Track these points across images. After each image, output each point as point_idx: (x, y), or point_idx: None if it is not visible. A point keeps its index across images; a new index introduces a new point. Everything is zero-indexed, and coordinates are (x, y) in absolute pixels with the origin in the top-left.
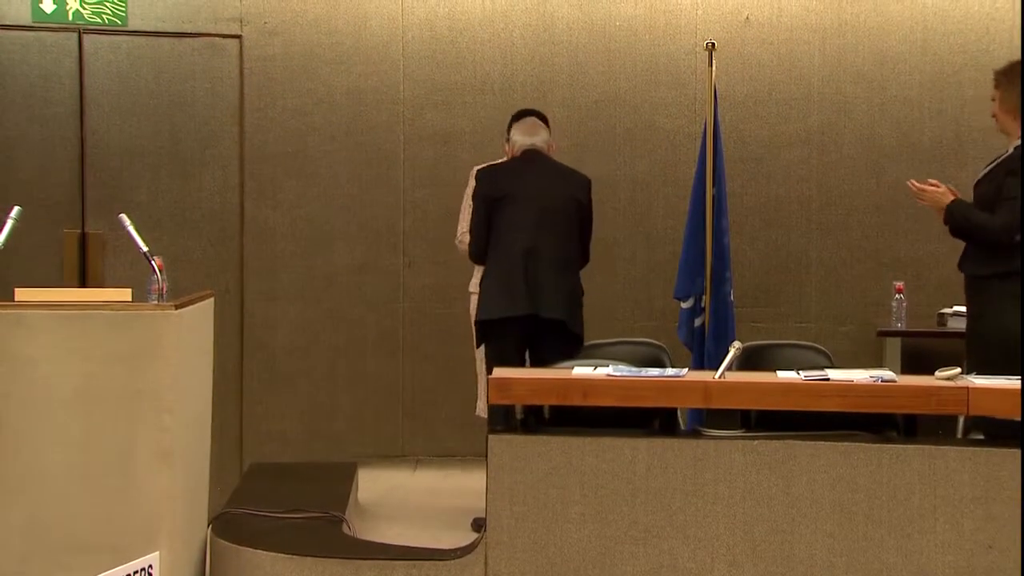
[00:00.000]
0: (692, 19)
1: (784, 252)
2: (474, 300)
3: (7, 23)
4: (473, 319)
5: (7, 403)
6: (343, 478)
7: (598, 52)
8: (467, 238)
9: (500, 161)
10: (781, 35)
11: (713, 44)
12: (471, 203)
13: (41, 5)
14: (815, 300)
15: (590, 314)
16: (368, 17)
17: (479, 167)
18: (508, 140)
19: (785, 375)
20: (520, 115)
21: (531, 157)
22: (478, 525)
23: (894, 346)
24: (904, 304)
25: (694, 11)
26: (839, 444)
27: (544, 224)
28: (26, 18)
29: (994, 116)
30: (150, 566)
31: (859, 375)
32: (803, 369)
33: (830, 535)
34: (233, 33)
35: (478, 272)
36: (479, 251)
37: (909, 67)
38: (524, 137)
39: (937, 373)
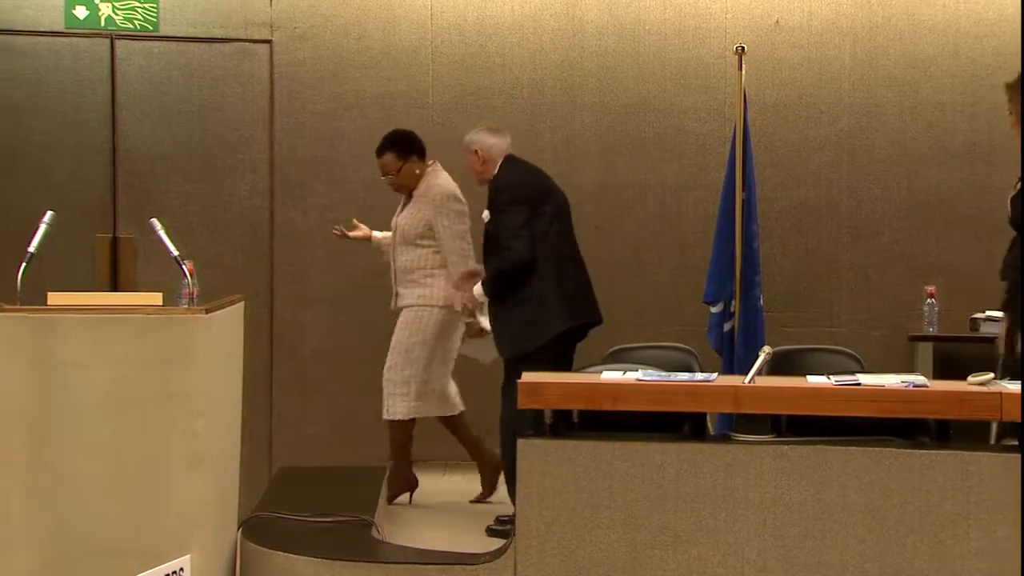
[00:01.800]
0: (721, 23)
1: (814, 256)
2: (438, 314)
3: (41, 29)
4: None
5: (39, 407)
6: (372, 482)
7: (627, 56)
8: (471, 258)
9: (516, 163)
10: (811, 39)
11: (743, 48)
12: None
13: (74, 11)
14: (846, 304)
15: (619, 318)
16: (397, 22)
17: (450, 193)
18: (477, 148)
19: (816, 380)
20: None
21: (519, 160)
22: (492, 531)
23: (926, 351)
24: (936, 309)
25: (723, 15)
26: (871, 449)
27: (570, 227)
28: (59, 24)
29: (1013, 127)
30: (182, 569)
31: (890, 380)
32: (834, 374)
33: (862, 541)
34: (263, 38)
35: (437, 285)
36: (532, 255)
37: (941, 70)
38: (501, 140)
39: (970, 378)
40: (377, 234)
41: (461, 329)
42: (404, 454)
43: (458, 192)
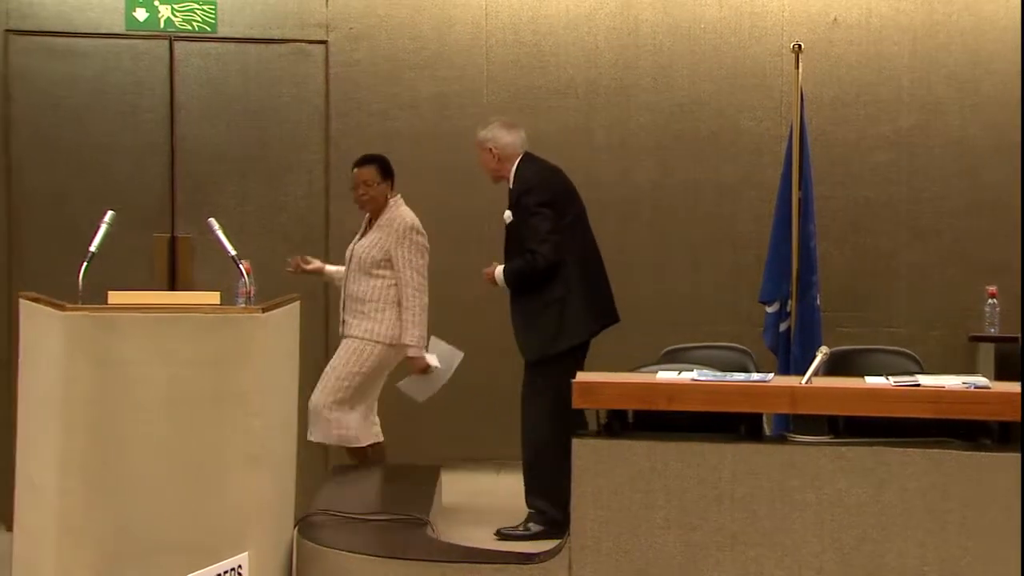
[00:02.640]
0: (778, 21)
1: (873, 256)
2: (380, 351)
3: (102, 31)
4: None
5: (100, 405)
6: (426, 481)
7: (682, 55)
8: (425, 294)
9: (535, 162)
10: (870, 36)
11: (800, 46)
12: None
13: (134, 14)
14: (905, 304)
15: (674, 318)
16: (452, 22)
17: (414, 225)
18: (491, 145)
19: (874, 380)
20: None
21: (537, 158)
22: (502, 535)
23: (987, 352)
24: (998, 309)
25: (780, 13)
26: (931, 451)
27: (590, 227)
28: (120, 26)
29: None
30: (240, 566)
31: (951, 381)
32: (892, 374)
33: (921, 544)
34: (319, 39)
35: (387, 321)
36: (556, 260)
37: (1003, 67)
38: (517, 137)
39: None
40: (329, 268)
41: (393, 365)
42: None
43: (420, 226)
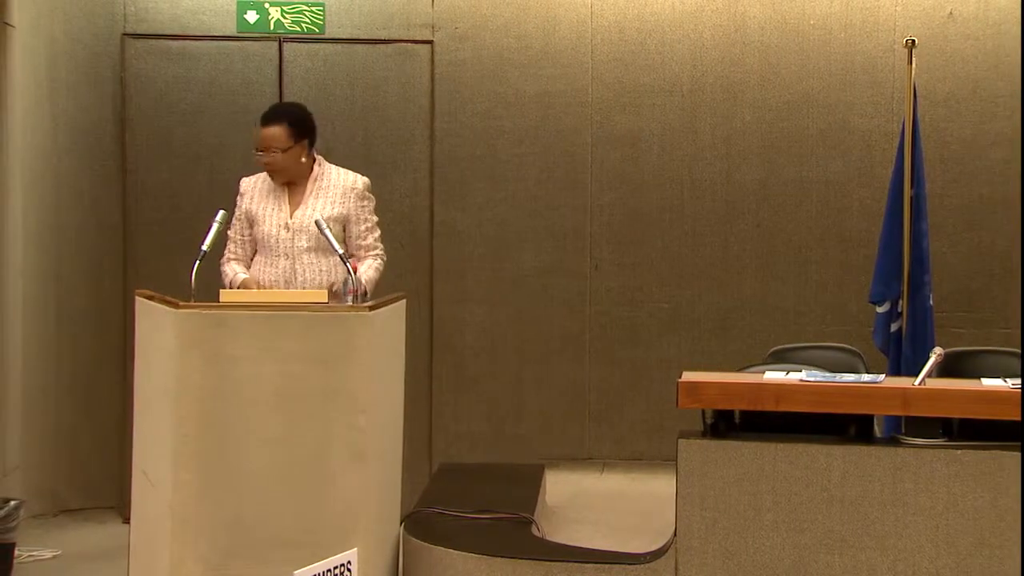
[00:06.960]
0: (891, 15)
1: (988, 255)
2: None
3: (214, 34)
4: None
5: (212, 401)
6: (531, 480)
7: (791, 52)
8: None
9: None
10: (987, 30)
11: (913, 41)
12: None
13: (245, 16)
14: (1021, 305)
15: (782, 318)
16: (557, 20)
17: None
18: None
19: (991, 383)
20: None
21: None
22: None
23: None
24: None
25: (893, 7)
26: None
27: None
28: (231, 29)
29: None
30: (349, 562)
31: None
32: (1010, 377)
33: None
34: (425, 39)
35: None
36: None
37: None
38: None
39: None
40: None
41: None
42: None
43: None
